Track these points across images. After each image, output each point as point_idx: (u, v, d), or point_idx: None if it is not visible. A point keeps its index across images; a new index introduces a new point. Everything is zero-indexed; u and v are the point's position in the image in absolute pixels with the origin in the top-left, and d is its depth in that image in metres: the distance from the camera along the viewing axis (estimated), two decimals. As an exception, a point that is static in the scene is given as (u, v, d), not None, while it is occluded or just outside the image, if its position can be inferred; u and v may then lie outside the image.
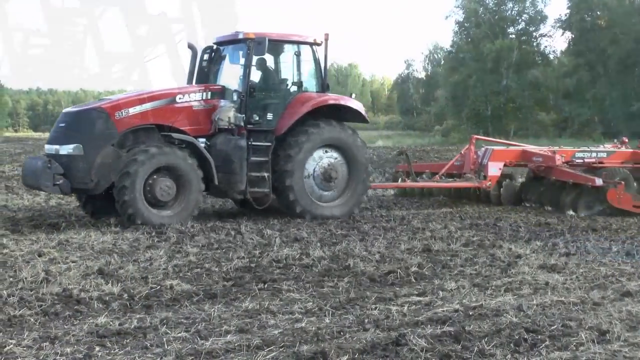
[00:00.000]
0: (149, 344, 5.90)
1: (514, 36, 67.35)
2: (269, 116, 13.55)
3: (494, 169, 16.06)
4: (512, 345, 5.86)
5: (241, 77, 13.69)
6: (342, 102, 14.24)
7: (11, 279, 8.18)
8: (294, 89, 14.09)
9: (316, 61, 14.22)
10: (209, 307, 7.15)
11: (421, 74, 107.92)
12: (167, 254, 9.84)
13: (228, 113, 13.18)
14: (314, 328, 6.35)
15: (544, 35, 68.05)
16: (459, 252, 10.25)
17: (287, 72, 14.38)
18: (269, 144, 13.35)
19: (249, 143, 13.18)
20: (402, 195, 18.03)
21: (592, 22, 60.94)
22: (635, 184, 16.49)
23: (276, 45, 14.08)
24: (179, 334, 6.17)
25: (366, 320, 6.62)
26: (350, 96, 14.51)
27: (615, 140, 19.62)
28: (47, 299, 7.26)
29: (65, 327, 6.42)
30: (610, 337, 6.09)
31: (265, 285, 8.12)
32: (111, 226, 12.11)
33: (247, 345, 5.81)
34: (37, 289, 7.68)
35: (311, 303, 7.34)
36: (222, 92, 13.71)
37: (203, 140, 13.25)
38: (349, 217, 13.62)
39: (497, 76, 65.07)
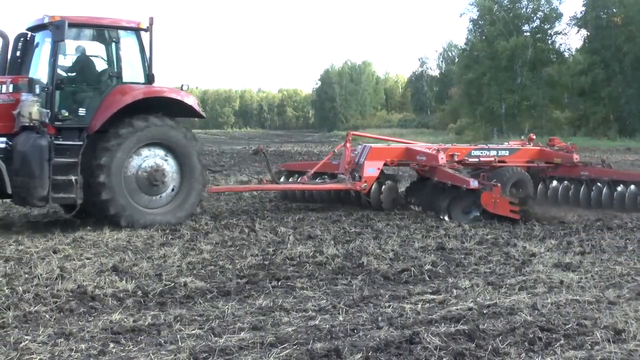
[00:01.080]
0: (163, 341, 5.92)
1: (528, 34, 67.06)
2: (82, 111, 11.92)
3: (371, 169, 14.44)
4: (526, 344, 5.83)
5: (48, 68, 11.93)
6: (168, 95, 12.53)
7: (26, 275, 8.23)
8: (113, 80, 12.37)
9: (141, 49, 12.60)
10: (222, 304, 7.16)
11: (435, 72, 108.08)
12: (181, 251, 9.87)
13: (30, 108, 11.42)
14: (327, 326, 6.34)
15: (559, 33, 67.81)
16: (473, 250, 10.22)
17: (107, 61, 12.66)
18: (79, 143, 11.64)
19: (53, 142, 11.34)
20: (284, 199, 16.34)
21: (607, 20, 60.58)
22: (541, 186, 15.85)
23: (88, 31, 12.52)
24: (193, 331, 6.19)
25: (380, 318, 6.61)
26: (181, 88, 12.84)
27: (523, 137, 18.78)
28: (62, 296, 7.30)
29: (80, 323, 6.45)
30: (625, 336, 6.05)
31: (279, 283, 8.12)
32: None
33: (260, 343, 5.81)
34: (52, 285, 7.73)
35: (325, 301, 7.33)
36: (29, 85, 11.85)
37: (4, 140, 11.55)
38: (181, 224, 12.21)
39: (512, 74, 64.90)
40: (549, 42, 68.12)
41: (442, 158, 14.08)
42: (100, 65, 12.67)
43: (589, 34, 63.50)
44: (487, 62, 65.77)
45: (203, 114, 13.27)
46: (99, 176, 11.61)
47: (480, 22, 69.88)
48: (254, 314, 6.81)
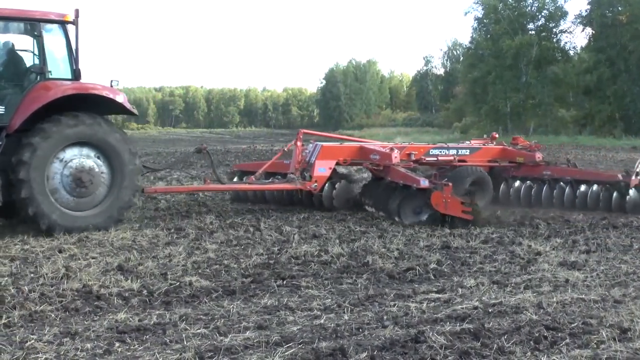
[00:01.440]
0: (168, 340, 5.93)
1: (533, 32, 66.93)
2: (0, 109, 11.19)
3: (322, 169, 13.84)
4: (532, 342, 5.83)
5: None
6: (99, 92, 11.74)
7: (32, 274, 8.25)
8: (36, 76, 11.60)
9: (67, 43, 11.79)
10: (227, 303, 7.17)
11: (440, 71, 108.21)
12: (186, 250, 9.88)
13: None
14: (332, 325, 6.34)
15: (564, 31, 67.66)
16: (478, 249, 10.21)
17: (29, 56, 11.89)
18: None
19: None
20: (235, 200, 15.60)
21: (612, 18, 60.39)
22: (504, 186, 15.32)
23: (9, 23, 11.70)
24: (198, 330, 6.19)
25: (385, 317, 6.61)
26: (111, 85, 12.01)
27: (485, 136, 17.57)
28: (68, 295, 7.31)
29: (86, 322, 6.46)
30: (631, 335, 6.04)
31: (284, 282, 8.13)
32: (131, 223, 12.18)
33: (265, 342, 5.82)
34: (57, 284, 7.74)
35: (330, 300, 7.34)
36: None
37: None
38: (109, 227, 11.54)
39: (517, 72, 64.82)
40: (554, 40, 68.01)
41: (395, 157, 13.61)
42: (23, 60, 11.95)
43: (594, 32, 63.34)
44: (492, 60, 65.71)
45: (134, 111, 12.54)
46: (19, 180, 10.92)
47: (485, 20, 69.82)
48: (259, 313, 6.81)
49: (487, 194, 14.87)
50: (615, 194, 14.21)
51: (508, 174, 15.64)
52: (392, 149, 13.96)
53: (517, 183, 15.34)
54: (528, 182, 15.24)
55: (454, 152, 15.31)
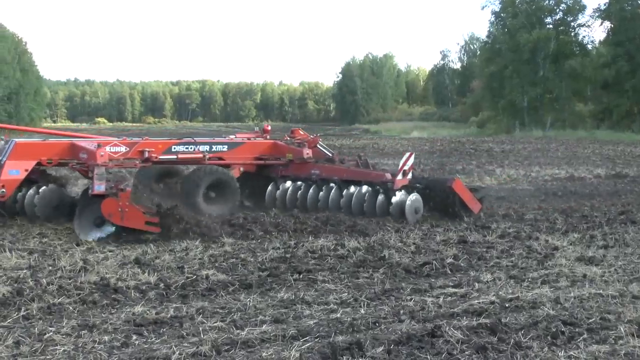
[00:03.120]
0: (185, 333, 5.95)
1: (551, 26, 66.63)
2: None
3: (14, 171, 11.33)
4: (549, 337, 5.79)
5: None
6: None
7: (50, 267, 8.30)
8: None
9: None
10: (244, 297, 7.19)
11: (457, 65, 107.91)
12: (203, 244, 9.89)
13: None
14: (349, 319, 6.34)
15: (582, 25, 67.42)
16: (495, 243, 10.17)
17: None
18: None
19: None
20: None
21: (632, 12, 60.02)
22: (271, 187, 13.48)
23: None
24: (215, 324, 6.21)
25: (401, 312, 6.60)
26: None
27: (257, 128, 15.17)
28: (85, 288, 7.35)
29: (103, 315, 6.50)
30: (650, 331, 6.00)
31: (301, 276, 8.13)
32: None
33: (282, 335, 5.83)
34: (75, 277, 7.79)
35: (346, 294, 7.34)
36: None
37: None
38: None
39: (534, 67, 64.57)
40: (572, 34, 67.67)
41: (101, 155, 11.19)
42: None
43: (613, 26, 62.97)
44: (510, 54, 65.48)
45: None
46: None
47: (502, 14, 69.62)
48: (275, 307, 6.82)
49: (231, 199, 12.71)
50: (381, 195, 12.49)
51: (277, 173, 13.79)
52: (99, 146, 11.55)
53: (288, 183, 13.45)
54: (299, 182, 13.37)
55: (205, 148, 13.02)
